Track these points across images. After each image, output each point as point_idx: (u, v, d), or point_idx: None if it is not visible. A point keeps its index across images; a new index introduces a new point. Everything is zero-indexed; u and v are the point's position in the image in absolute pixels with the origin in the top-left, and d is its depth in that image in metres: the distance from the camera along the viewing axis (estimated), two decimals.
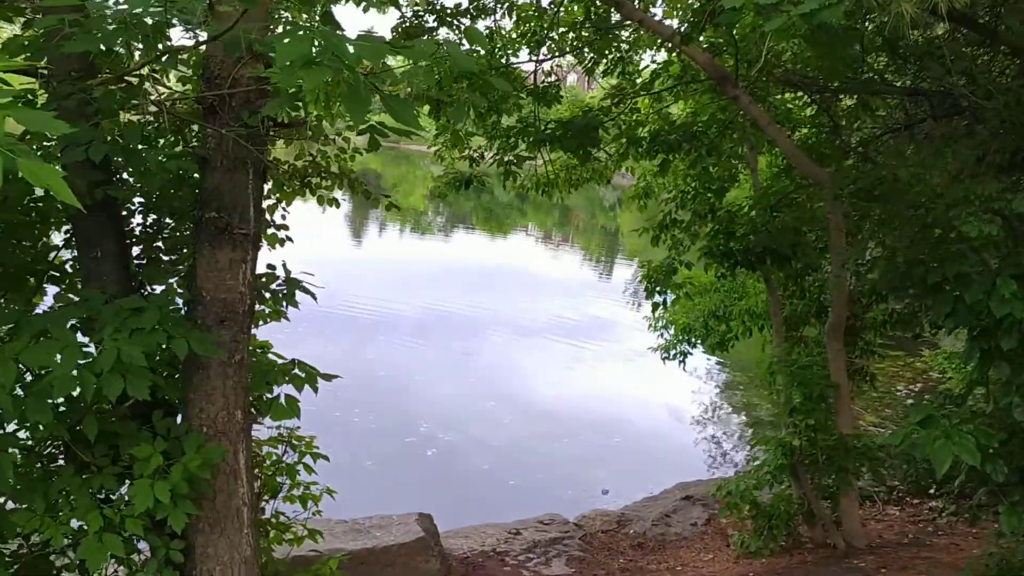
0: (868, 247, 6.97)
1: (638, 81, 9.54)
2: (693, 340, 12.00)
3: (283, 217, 6.18)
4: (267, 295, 4.89)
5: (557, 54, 9.77)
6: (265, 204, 5.97)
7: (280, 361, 4.80)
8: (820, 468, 7.77)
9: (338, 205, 6.29)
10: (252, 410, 4.53)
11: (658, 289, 9.38)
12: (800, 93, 8.66)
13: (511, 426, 12.98)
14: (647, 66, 10.12)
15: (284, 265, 5.05)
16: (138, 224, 4.73)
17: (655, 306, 9.40)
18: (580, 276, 29.27)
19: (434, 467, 11.36)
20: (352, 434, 11.93)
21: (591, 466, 11.79)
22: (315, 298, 5.35)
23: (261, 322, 5.42)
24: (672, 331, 12.14)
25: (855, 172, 6.82)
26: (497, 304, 20.91)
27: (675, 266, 9.06)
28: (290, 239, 5.85)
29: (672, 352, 12.13)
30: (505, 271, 27.80)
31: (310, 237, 25.41)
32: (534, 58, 9.33)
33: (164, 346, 3.72)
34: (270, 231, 5.46)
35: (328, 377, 5.04)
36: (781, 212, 8.17)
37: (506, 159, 8.71)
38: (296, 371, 4.82)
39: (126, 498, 3.91)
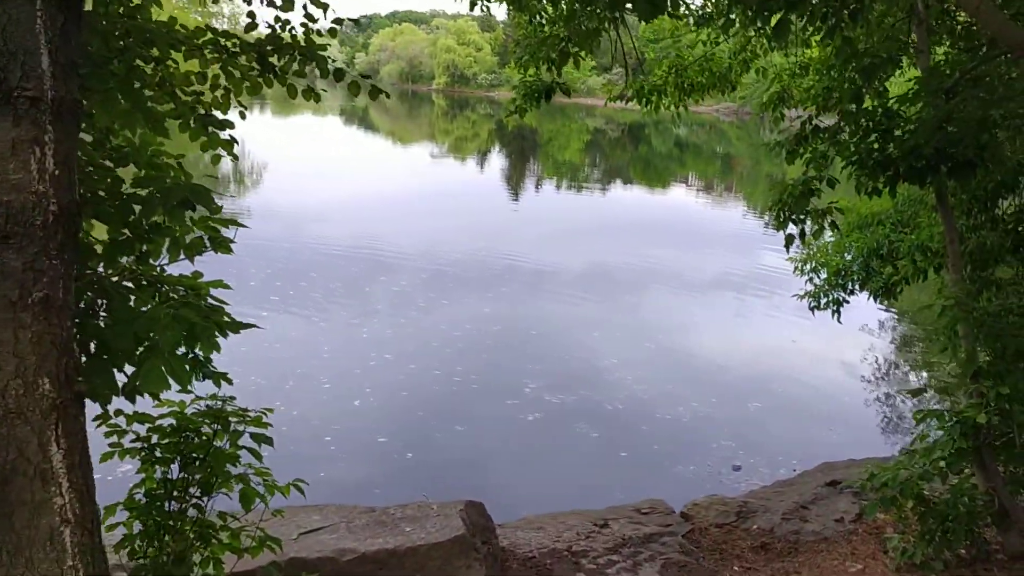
0: None
1: None
2: (850, 285, 9.60)
3: (242, 116, 4.58)
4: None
5: None
6: (215, 94, 4.41)
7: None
8: (1016, 453, 5.52)
9: (318, 99, 4.57)
10: (81, 378, 2.91)
11: (792, 218, 7.16)
12: None
13: (636, 387, 11.07)
14: None
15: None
16: None
17: (789, 240, 7.14)
18: (744, 227, 26.89)
19: (530, 435, 9.64)
20: (446, 396, 10.40)
21: (721, 436, 9.73)
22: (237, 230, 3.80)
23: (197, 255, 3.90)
24: (824, 275, 9.78)
25: None
26: (658, 258, 19.00)
27: (814, 185, 6.82)
28: (235, 140, 4.20)
29: (823, 300, 9.76)
30: (665, 224, 25.84)
31: (467, 195, 24.38)
32: None
33: None
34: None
35: (237, 327, 3.43)
36: (962, 98, 5.77)
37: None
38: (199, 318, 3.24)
39: None
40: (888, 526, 6.46)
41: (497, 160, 48.95)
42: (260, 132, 43.71)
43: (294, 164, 34.05)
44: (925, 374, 12.94)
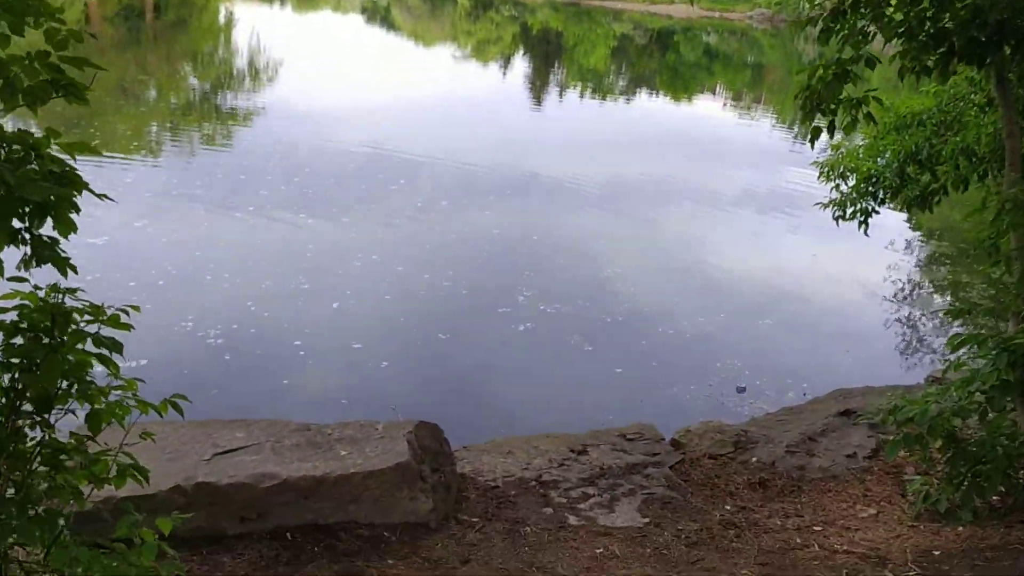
0: None
1: None
2: (881, 194, 8.51)
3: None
4: None
5: None
6: None
7: None
8: None
9: None
10: None
11: (820, 107, 6.04)
12: None
13: (639, 300, 10.11)
14: None
15: None
16: None
17: (815, 133, 6.02)
18: (771, 142, 25.51)
19: (518, 347, 8.76)
20: (432, 302, 9.51)
21: (727, 354, 8.81)
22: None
23: None
24: (852, 181, 8.67)
25: None
26: (679, 172, 17.76)
27: (849, 66, 5.67)
28: None
29: (850, 210, 8.67)
30: (689, 137, 24.48)
31: (487, 100, 22.92)
32: None
33: None
34: None
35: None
36: None
37: None
38: None
39: None
40: (908, 466, 5.56)
41: (520, 65, 47.02)
42: (278, 28, 42.11)
43: (311, 62, 32.63)
44: (950, 296, 11.88)
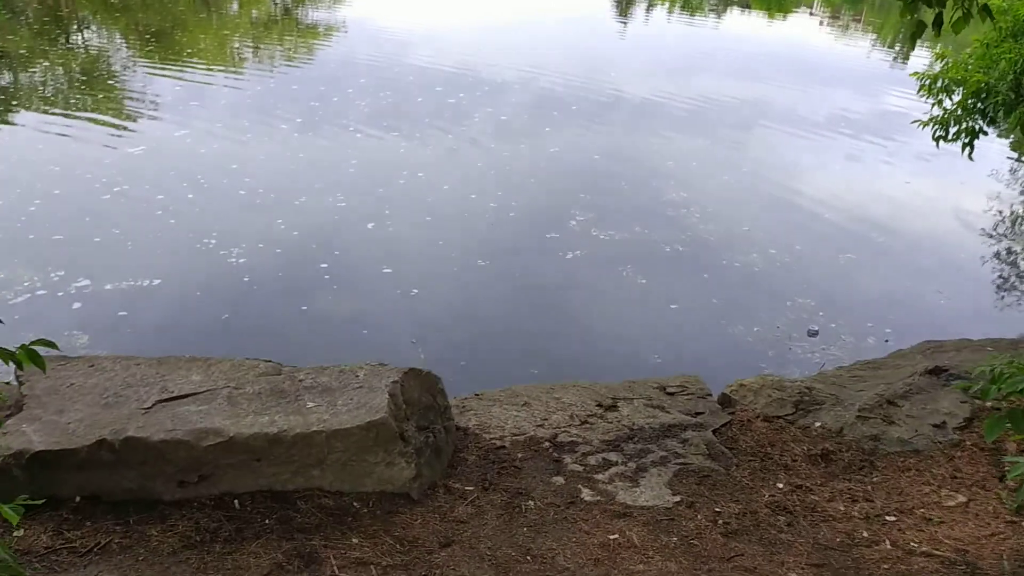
0: None
1: None
2: (991, 112, 7.12)
3: None
4: None
5: None
6: None
7: None
8: None
9: None
10: None
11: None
12: None
13: (703, 227, 8.97)
14: None
15: None
16: None
17: (918, 29, 4.73)
18: (869, 64, 23.32)
19: (562, 277, 7.77)
20: (475, 225, 8.58)
21: (799, 291, 7.65)
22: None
23: None
24: (958, 96, 7.29)
25: None
26: (769, 94, 16.17)
27: None
28: None
29: (953, 129, 7.32)
30: (782, 57, 22.49)
31: (571, 20, 21.28)
32: None
33: None
34: None
35: None
36: None
37: None
38: None
39: None
40: (1010, 443, 4.43)
41: None
42: None
43: None
44: None
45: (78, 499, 3.50)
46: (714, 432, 4.59)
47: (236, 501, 3.58)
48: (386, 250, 8.03)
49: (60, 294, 6.73)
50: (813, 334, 7.12)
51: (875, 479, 4.28)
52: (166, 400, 3.75)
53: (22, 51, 14.44)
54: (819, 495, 4.12)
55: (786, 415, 4.80)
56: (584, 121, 12.95)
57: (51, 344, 2.60)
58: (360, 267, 7.69)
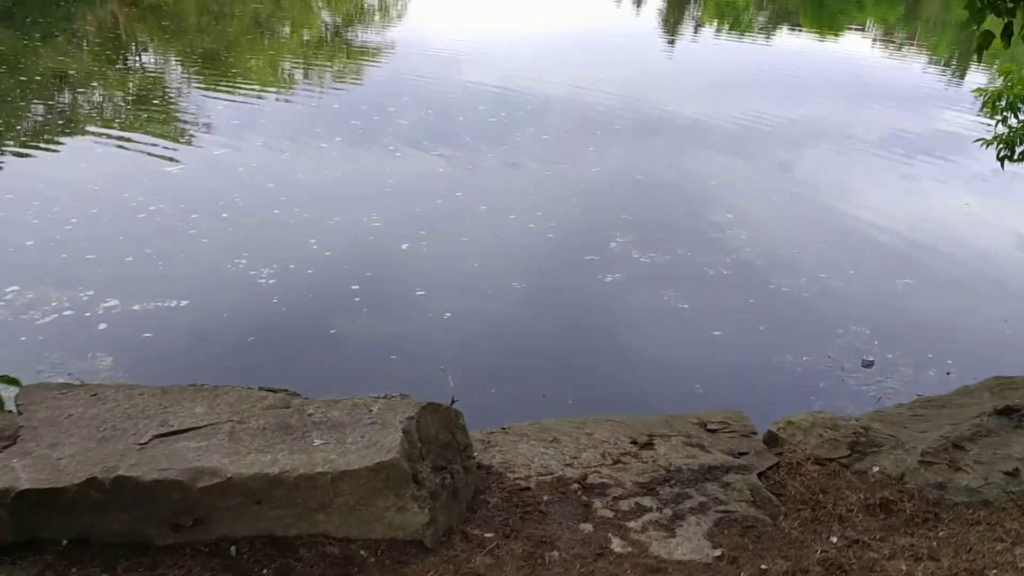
0: None
1: None
2: None
3: None
4: None
5: None
6: None
7: None
8: None
9: None
10: None
11: (995, 3, 4.35)
12: None
13: (750, 250, 8.53)
14: None
15: None
16: None
17: (984, 40, 4.29)
18: (923, 82, 22.60)
19: (600, 301, 7.41)
20: (512, 246, 8.28)
21: (852, 318, 7.17)
22: None
23: None
24: None
25: None
26: (820, 113, 15.65)
27: None
28: None
29: (1020, 149, 6.86)
30: (833, 76, 21.93)
31: (619, 36, 21.00)
32: None
33: None
34: None
35: None
36: None
37: None
38: None
39: None
40: None
41: (655, 1, 44.24)
42: None
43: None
44: None
45: (65, 542, 3.24)
46: (759, 476, 4.18)
47: (233, 548, 3.28)
48: (419, 272, 7.75)
49: (87, 314, 6.57)
50: (868, 365, 6.64)
51: (941, 534, 3.83)
52: (164, 435, 3.48)
53: (80, 72, 14.58)
54: (878, 552, 3.69)
55: (840, 458, 4.37)
56: (628, 140, 12.60)
57: (14, 381, 2.33)
58: (392, 289, 7.42)
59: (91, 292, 6.88)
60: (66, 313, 6.53)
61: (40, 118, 11.78)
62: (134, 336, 6.32)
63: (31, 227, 8.00)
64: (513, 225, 8.91)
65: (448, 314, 7.06)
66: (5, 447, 3.52)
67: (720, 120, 14.16)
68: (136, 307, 6.73)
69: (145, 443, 3.42)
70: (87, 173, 9.52)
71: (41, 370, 5.83)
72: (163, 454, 3.35)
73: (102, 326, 6.39)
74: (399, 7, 30.59)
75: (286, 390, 4.34)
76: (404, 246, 8.26)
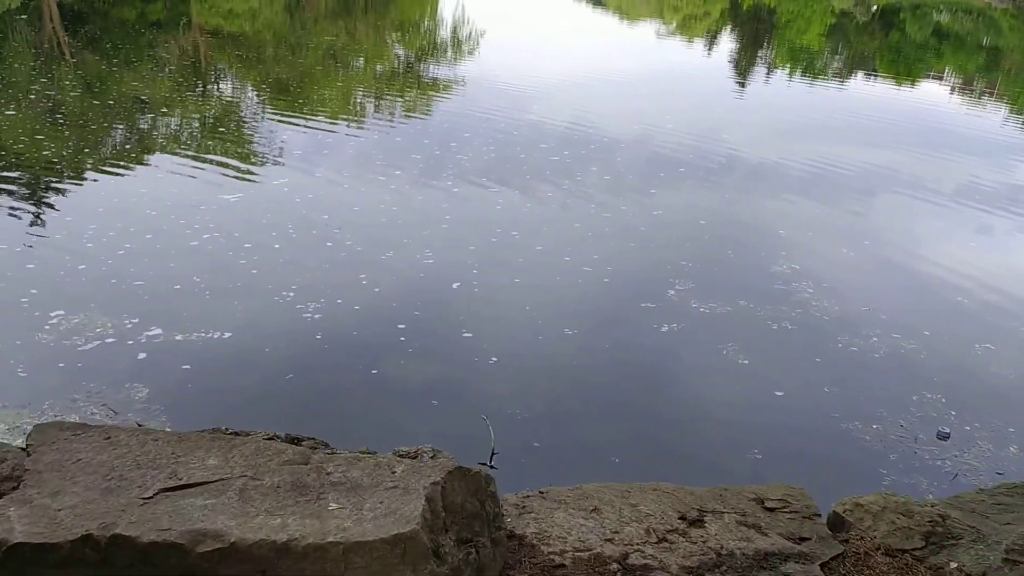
0: None
1: None
2: None
3: None
4: None
5: None
6: None
7: None
8: None
9: None
10: None
11: None
12: None
13: (818, 304, 8.04)
14: None
15: None
16: None
17: None
18: (1004, 134, 21.69)
19: (654, 353, 7.02)
20: (564, 289, 7.97)
21: (926, 385, 6.64)
22: None
23: None
24: None
25: None
26: (893, 162, 15.02)
27: None
28: None
29: None
30: (908, 125, 21.20)
31: (690, 79, 20.76)
32: None
33: None
34: None
35: None
36: None
37: None
38: None
39: None
40: None
41: (727, 42, 43.84)
42: (485, 3, 41.53)
43: (515, 37, 31.64)
44: None
45: None
46: (822, 567, 3.74)
47: None
48: (469, 313, 7.48)
49: (130, 342, 6.45)
50: (944, 437, 6.10)
51: None
52: (172, 488, 3.23)
53: (156, 97, 14.85)
54: None
55: (914, 549, 3.90)
56: (693, 183, 12.21)
57: None
58: (439, 329, 7.16)
59: (136, 320, 6.77)
60: (108, 340, 6.42)
61: (112, 142, 11.96)
62: (173, 367, 6.16)
63: (85, 251, 7.99)
64: (568, 267, 8.60)
65: (494, 359, 6.75)
66: (10, 490, 3.32)
67: (789, 164, 13.67)
68: (179, 337, 6.60)
69: (150, 497, 3.17)
70: (147, 199, 9.55)
71: (76, 399, 5.70)
72: (166, 511, 3.09)
73: (142, 355, 6.26)
74: (471, 43, 30.83)
75: (312, 439, 4.09)
76: (455, 285, 8.01)
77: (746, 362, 6.95)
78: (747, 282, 8.53)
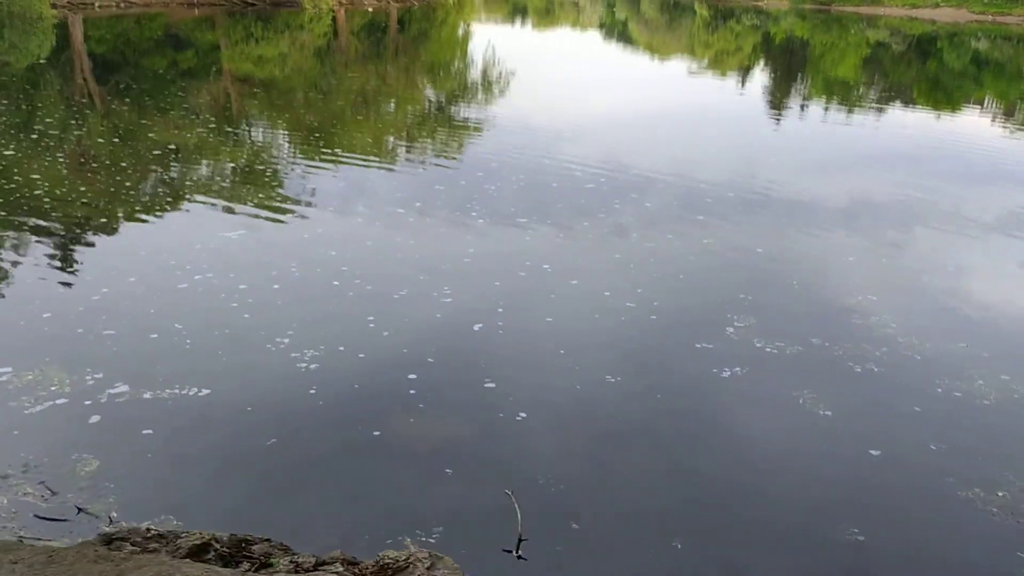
0: None
1: None
2: None
3: None
4: None
5: None
6: None
7: None
8: None
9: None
10: None
11: None
12: None
13: (904, 341, 6.70)
14: None
15: None
16: None
17: None
18: None
19: (716, 403, 5.74)
20: (610, 330, 6.72)
21: None
22: None
23: None
24: None
25: None
26: (936, 192, 13.56)
27: None
28: None
29: None
30: (949, 154, 19.73)
31: (723, 114, 19.52)
32: None
33: None
34: None
35: None
36: None
37: None
38: None
39: None
40: None
41: (760, 76, 42.68)
42: (515, 44, 41.00)
43: (545, 77, 30.76)
44: None
45: None
46: None
47: None
48: (492, 359, 6.26)
49: (87, 402, 5.34)
50: None
51: None
52: None
53: (184, 144, 13.99)
54: None
55: None
56: (740, 213, 10.93)
57: None
58: (457, 379, 5.95)
59: (99, 375, 5.67)
60: (59, 401, 5.30)
61: (137, 190, 11.02)
62: (132, 433, 5.02)
63: (54, 296, 6.95)
64: (608, 304, 7.36)
65: (522, 414, 5.51)
66: None
67: (835, 197, 12.33)
68: (147, 395, 5.47)
69: None
70: (140, 241, 8.54)
71: (10, 474, 4.58)
72: None
73: (94, 418, 5.13)
74: (502, 84, 30.04)
75: (268, 540, 2.91)
76: (476, 327, 6.80)
77: (828, 413, 5.62)
78: (818, 317, 7.22)
